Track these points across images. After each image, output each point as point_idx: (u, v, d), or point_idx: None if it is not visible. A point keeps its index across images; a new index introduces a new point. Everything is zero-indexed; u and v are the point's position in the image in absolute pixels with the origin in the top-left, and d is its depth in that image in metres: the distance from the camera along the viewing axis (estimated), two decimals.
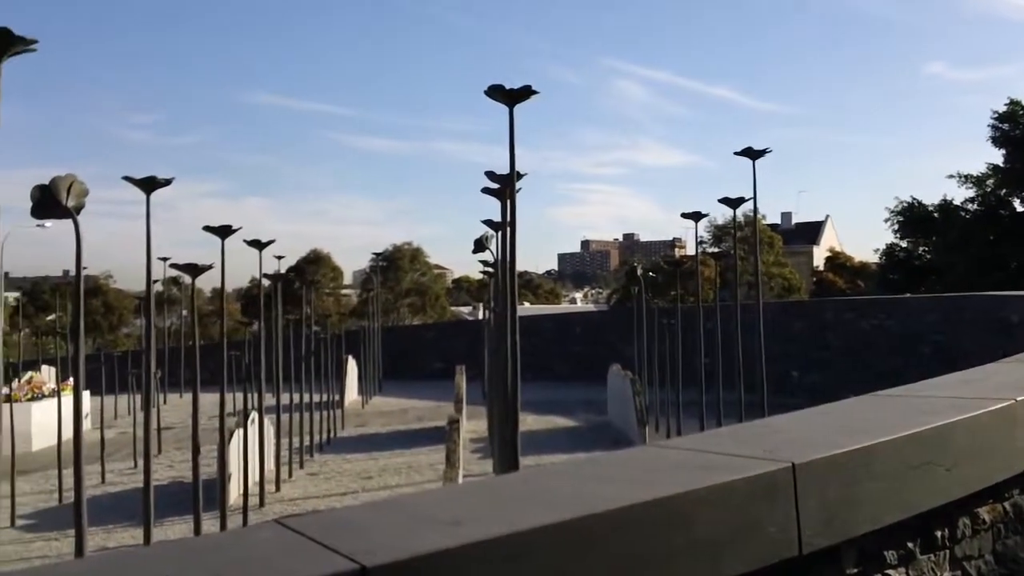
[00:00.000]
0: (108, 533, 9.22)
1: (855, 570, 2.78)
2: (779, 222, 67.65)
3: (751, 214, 17.19)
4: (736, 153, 8.70)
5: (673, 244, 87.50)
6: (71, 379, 16.62)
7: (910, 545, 2.98)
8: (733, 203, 9.34)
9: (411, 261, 60.48)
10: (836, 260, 60.05)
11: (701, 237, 15.15)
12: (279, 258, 13.50)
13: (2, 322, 4.50)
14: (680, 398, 12.98)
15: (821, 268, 60.71)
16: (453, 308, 64.45)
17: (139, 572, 1.91)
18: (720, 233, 47.02)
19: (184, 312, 31.97)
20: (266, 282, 11.52)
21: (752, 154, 8.68)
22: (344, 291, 66.03)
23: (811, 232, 71.60)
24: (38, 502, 11.22)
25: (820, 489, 2.63)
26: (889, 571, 2.90)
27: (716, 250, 38.41)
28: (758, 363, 9.29)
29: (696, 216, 10.37)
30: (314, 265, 54.20)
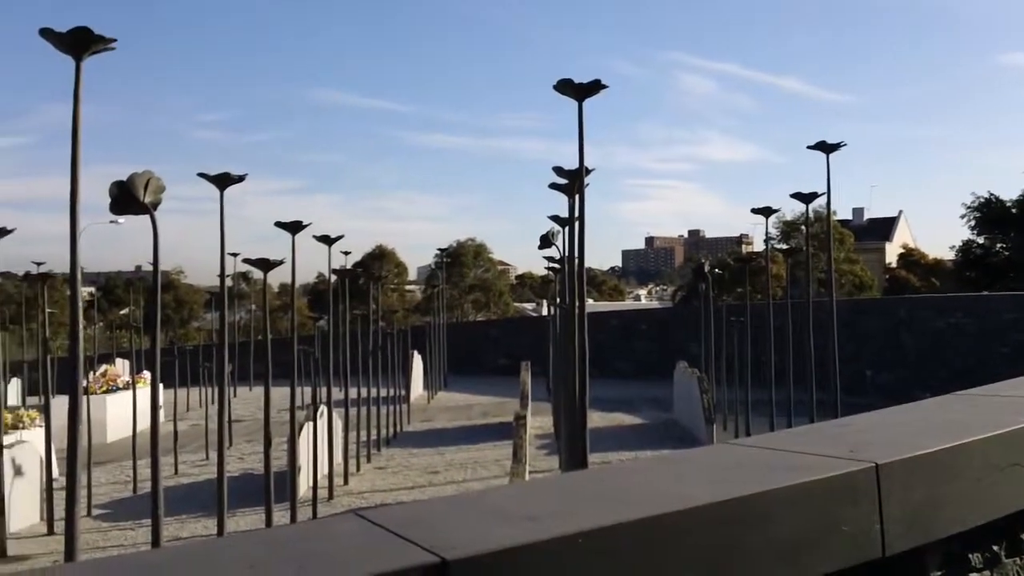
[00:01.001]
0: (181, 524, 9.44)
1: (939, 573, 2.71)
2: (850, 218, 66.33)
3: (821, 209, 16.89)
4: (809, 147, 8.51)
5: (740, 240, 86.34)
6: (145, 372, 17.09)
7: (995, 548, 2.90)
8: (806, 198, 9.14)
9: (475, 257, 60.75)
10: (909, 257, 58.62)
11: (769, 233, 14.92)
12: (346, 254, 13.69)
13: (81, 317, 4.63)
14: (749, 397, 12.80)
15: (894, 265, 59.32)
16: (516, 304, 64.58)
17: (227, 560, 1.95)
18: (788, 229, 46.27)
19: (253, 307, 32.62)
20: (332, 277, 11.67)
21: (826, 148, 8.49)
22: (408, 287, 66.66)
23: (883, 228, 69.98)
24: (113, 492, 11.54)
25: (904, 490, 2.56)
26: (973, 574, 2.82)
27: (785, 246, 37.82)
28: (830, 362, 9.10)
29: (767, 211, 10.19)
30: (379, 261, 54.82)
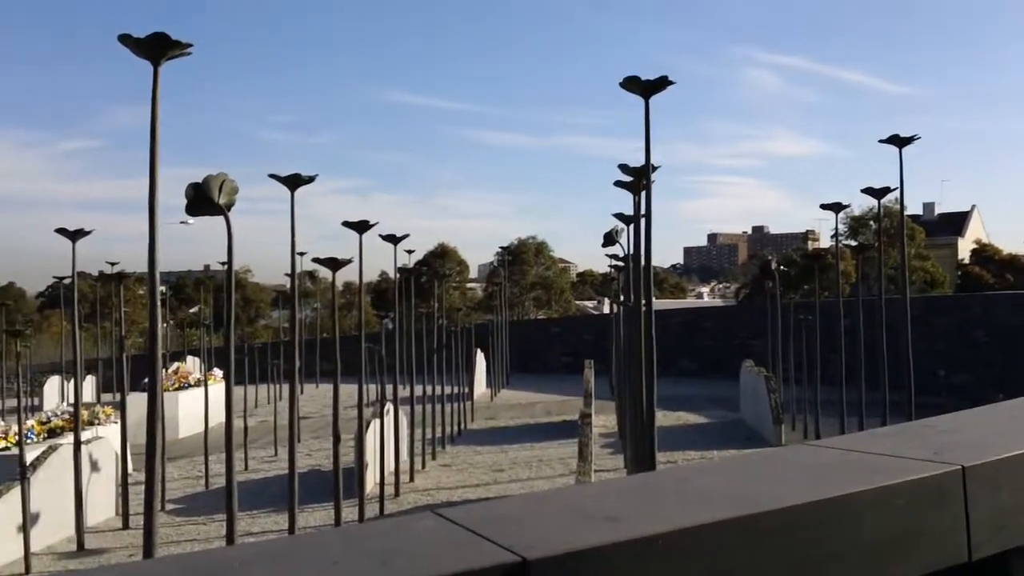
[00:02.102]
0: (252, 519, 9.61)
1: None
2: (921, 213, 64.66)
3: (891, 204, 16.52)
4: (881, 141, 8.31)
5: (806, 236, 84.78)
6: (216, 369, 17.46)
7: None
8: (877, 193, 8.94)
9: (536, 255, 60.74)
10: (983, 252, 56.94)
11: (837, 229, 14.60)
12: (410, 252, 13.78)
13: (160, 314, 4.73)
14: (818, 396, 12.57)
15: (966, 261, 57.69)
16: (577, 302, 64.43)
17: (310, 556, 1.97)
18: (856, 225, 45.29)
19: (317, 305, 33.09)
20: (398, 276, 11.76)
21: (899, 142, 8.29)
22: (469, 285, 66.94)
23: (955, 223, 68.08)
24: (186, 487, 11.80)
25: (991, 493, 2.49)
26: None
27: (853, 243, 37.03)
28: (902, 361, 8.89)
29: (836, 207, 10.00)
30: (441, 259, 55.14)
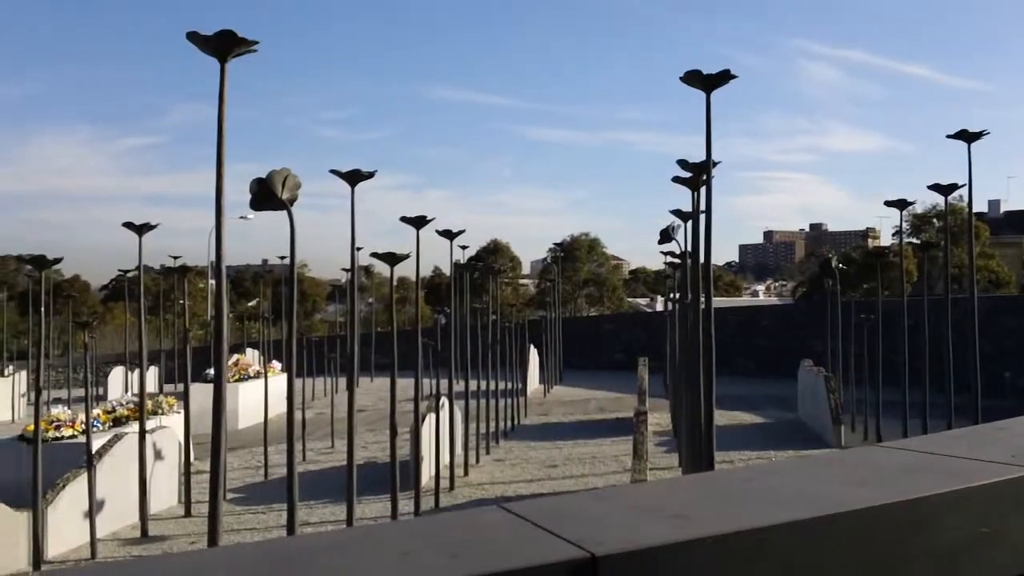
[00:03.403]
0: (310, 509, 9.74)
1: None
2: (986, 210, 63.00)
3: (954, 201, 16.12)
4: (949, 136, 8.14)
5: (865, 234, 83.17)
6: (275, 362, 17.73)
7: None
8: (944, 190, 8.76)
9: (588, 252, 60.53)
10: None
11: (897, 227, 14.36)
12: (464, 248, 13.84)
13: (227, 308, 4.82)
14: (880, 397, 12.33)
15: None
16: (630, 299, 64.10)
17: (379, 547, 1.99)
18: (919, 223, 44.31)
19: (371, 300, 33.41)
20: (453, 271, 11.81)
21: (967, 137, 8.10)
22: (521, 281, 67.00)
23: (1022, 221, 66.23)
24: (246, 477, 11.99)
25: None
26: None
27: (916, 241, 36.27)
28: (967, 362, 8.68)
29: (901, 204, 9.81)
30: (493, 255, 55.25)
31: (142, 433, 9.46)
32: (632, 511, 2.15)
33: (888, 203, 9.85)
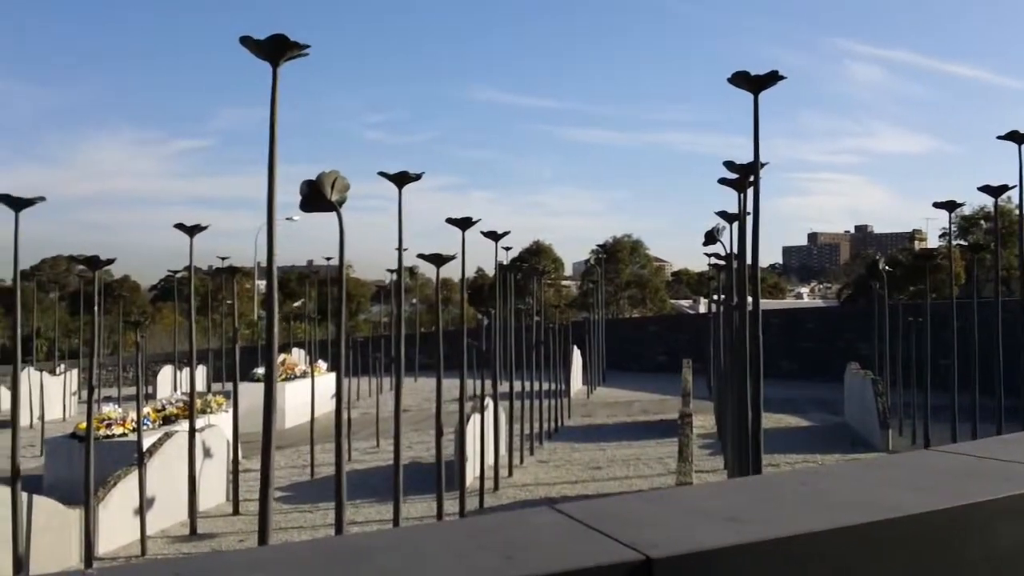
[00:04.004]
0: (356, 508, 9.82)
1: None
2: None
3: (1002, 203, 15.78)
4: (1000, 137, 7.99)
5: (912, 236, 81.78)
6: (320, 361, 17.92)
7: None
8: (994, 191, 8.60)
9: (631, 253, 60.32)
10: None
11: (944, 229, 14.13)
12: (507, 249, 13.87)
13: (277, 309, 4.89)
14: (928, 401, 12.14)
15: None
16: (672, 301, 63.76)
17: (433, 547, 2.02)
18: (967, 224, 43.47)
19: (414, 300, 33.65)
20: (496, 272, 11.85)
21: (1018, 138, 7.95)
22: (564, 282, 66.95)
23: None
24: (292, 476, 12.12)
25: None
26: None
27: (963, 242, 35.58)
28: (1016, 365, 8.52)
29: (950, 205, 9.65)
30: (536, 256, 55.27)
31: (192, 432, 9.62)
32: (685, 513, 2.16)
33: (937, 204, 9.70)
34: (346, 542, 2.46)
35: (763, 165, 6.26)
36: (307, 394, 13.52)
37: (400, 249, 7.12)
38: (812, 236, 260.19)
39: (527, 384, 13.21)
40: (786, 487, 2.49)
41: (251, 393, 12.83)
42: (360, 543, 2.26)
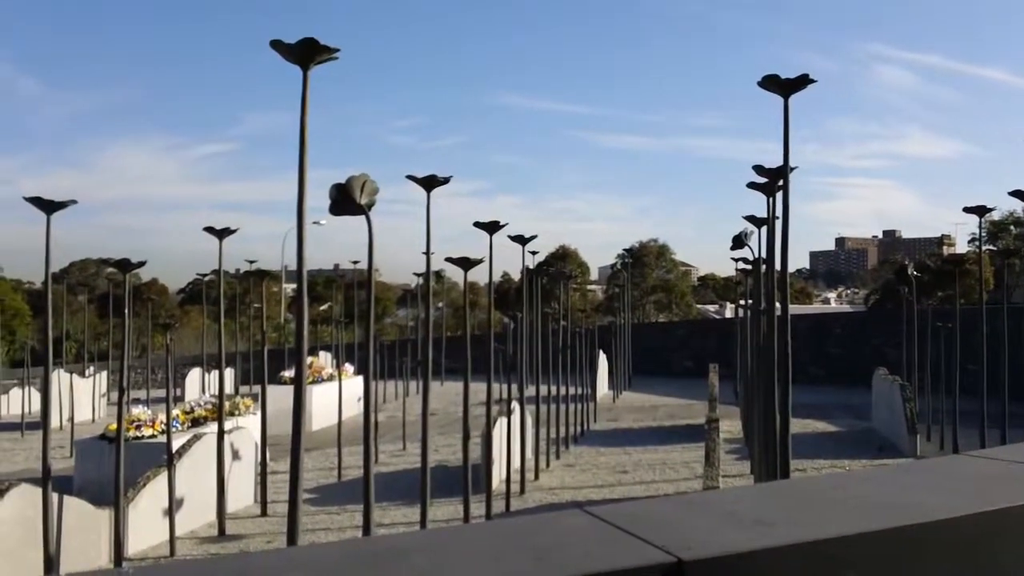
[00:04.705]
0: (383, 511, 9.85)
1: None
2: None
3: None
4: None
5: (941, 241, 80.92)
6: (347, 364, 18.01)
7: None
8: None
9: (657, 258, 60.19)
10: None
11: (974, 234, 13.98)
12: (534, 253, 13.88)
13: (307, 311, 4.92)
14: (957, 407, 12.01)
15: None
16: (699, 306, 63.50)
17: (466, 549, 2.03)
18: (996, 229, 43.02)
19: (441, 304, 33.77)
20: (521, 276, 11.86)
21: None
22: (589, 287, 66.88)
23: None
24: (319, 478, 12.17)
25: None
26: None
27: (993, 247, 35.24)
28: None
29: (980, 210, 9.54)
30: (562, 260, 55.27)
31: (221, 433, 9.70)
32: (716, 517, 2.16)
33: (967, 209, 9.60)
34: (378, 543, 2.48)
35: (792, 169, 6.23)
36: (334, 397, 13.59)
37: (428, 253, 7.14)
38: (839, 241, 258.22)
39: (553, 388, 13.22)
40: (817, 491, 2.49)
41: (278, 396, 12.92)
42: (392, 544, 2.28)
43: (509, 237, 9.59)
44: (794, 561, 1.98)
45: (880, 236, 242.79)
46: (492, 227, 8.15)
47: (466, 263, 7.65)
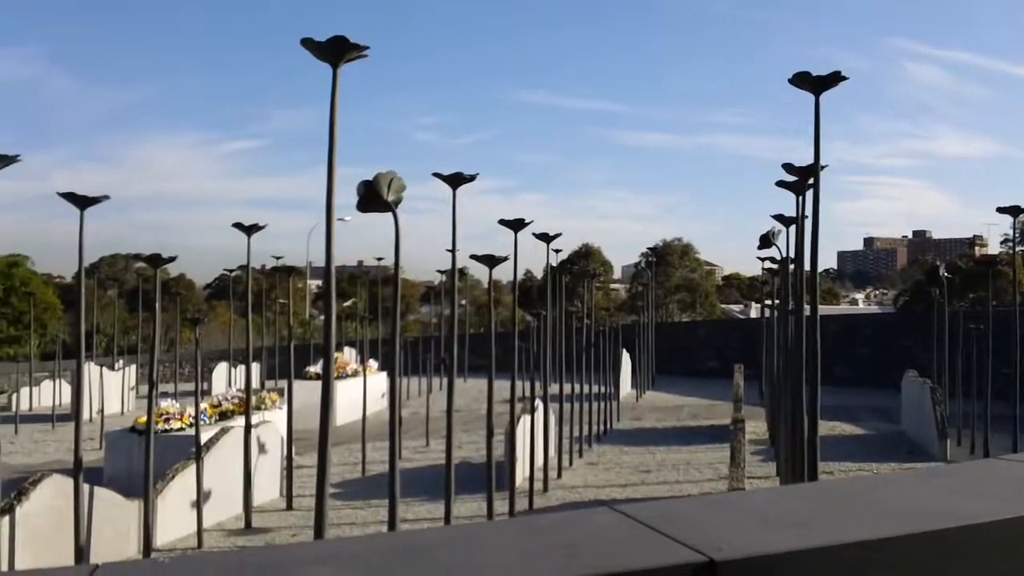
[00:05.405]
0: (407, 506, 9.88)
1: None
2: None
3: None
4: None
5: (972, 242, 80.00)
6: (371, 360, 18.08)
7: None
8: None
9: (681, 257, 59.98)
10: None
11: (1006, 235, 13.82)
12: (557, 252, 13.86)
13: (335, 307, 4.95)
14: (988, 411, 11.88)
15: None
16: (723, 305, 63.21)
17: (496, 545, 2.03)
18: None
19: (463, 302, 33.78)
20: (537, 273, 11.85)
21: None
22: (612, 285, 66.77)
23: None
24: (344, 473, 12.24)
25: None
26: None
27: None
28: None
29: (1015, 210, 9.43)
30: (585, 259, 55.23)
31: (248, 427, 9.77)
32: (748, 517, 2.15)
33: (1000, 209, 9.50)
34: (408, 538, 2.49)
35: (823, 167, 6.18)
36: (358, 392, 13.66)
37: (453, 251, 7.16)
38: (868, 241, 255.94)
39: (576, 387, 13.21)
40: (848, 493, 2.47)
41: (304, 390, 12.99)
42: (422, 539, 2.29)
43: (534, 235, 9.58)
44: (827, 563, 1.97)
45: (910, 236, 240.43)
46: (517, 225, 8.15)
47: (491, 260, 7.66)
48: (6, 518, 6.91)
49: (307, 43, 4.87)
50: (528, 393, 11.29)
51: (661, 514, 2.24)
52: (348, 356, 21.03)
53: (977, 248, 73.60)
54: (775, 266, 13.06)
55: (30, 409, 20.69)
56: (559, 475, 11.56)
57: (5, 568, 6.51)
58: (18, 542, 7.04)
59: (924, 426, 13.04)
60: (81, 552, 7.01)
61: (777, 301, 13.20)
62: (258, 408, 12.66)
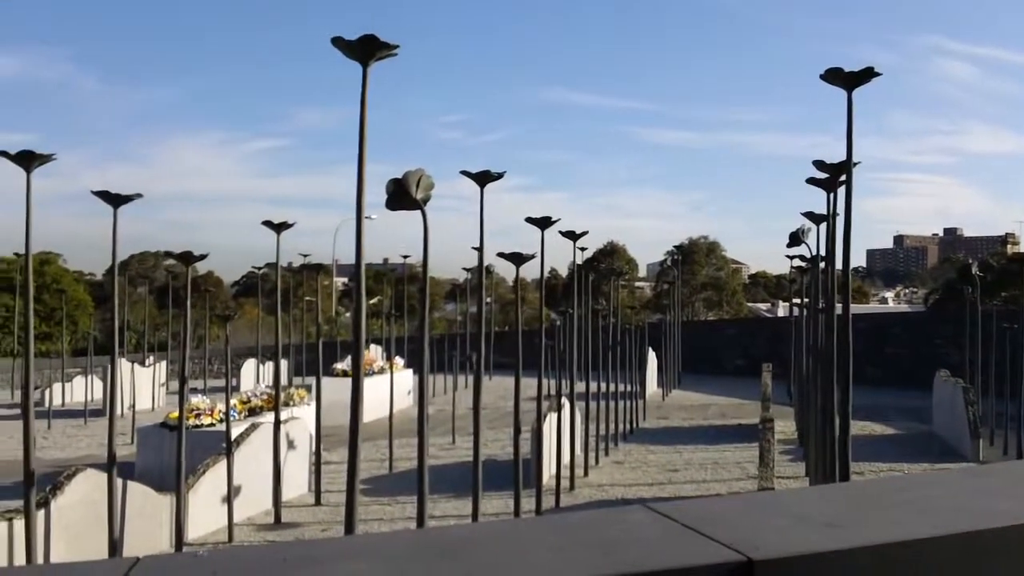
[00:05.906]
0: (433, 503, 9.89)
1: None
2: None
3: None
4: None
5: (1004, 239, 78.99)
6: (397, 358, 18.14)
7: None
8: None
9: (707, 255, 59.71)
10: None
11: None
12: (583, 250, 13.83)
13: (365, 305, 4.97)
14: (1022, 411, 11.73)
15: None
16: (750, 304, 62.83)
17: (530, 542, 2.03)
18: None
19: (488, 299, 33.87)
20: (563, 271, 11.85)
21: None
22: (637, 284, 66.57)
23: None
24: (371, 469, 12.29)
25: None
26: None
27: None
28: None
29: None
30: (610, 257, 55.11)
31: (277, 423, 9.85)
32: (784, 517, 2.14)
33: None
34: (442, 534, 2.50)
35: (855, 164, 6.13)
36: (384, 389, 13.72)
37: (481, 248, 7.17)
38: (898, 239, 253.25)
39: (602, 385, 13.19)
40: (883, 493, 2.45)
41: (332, 387, 13.07)
42: (456, 535, 2.29)
43: (560, 233, 9.58)
44: (864, 563, 1.96)
45: (940, 234, 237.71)
46: (544, 223, 8.15)
47: (518, 258, 7.66)
48: (42, 511, 7.00)
49: (338, 42, 4.89)
50: (554, 391, 11.30)
51: (696, 512, 2.23)
52: (374, 353, 21.12)
53: (1010, 246, 72.66)
54: (804, 264, 12.99)
55: (62, 405, 20.96)
56: (585, 473, 11.55)
57: (41, 561, 6.59)
58: (52, 535, 7.14)
59: (956, 426, 12.90)
60: (115, 545, 7.10)
61: (806, 299, 13.11)
62: (287, 404, 12.75)
